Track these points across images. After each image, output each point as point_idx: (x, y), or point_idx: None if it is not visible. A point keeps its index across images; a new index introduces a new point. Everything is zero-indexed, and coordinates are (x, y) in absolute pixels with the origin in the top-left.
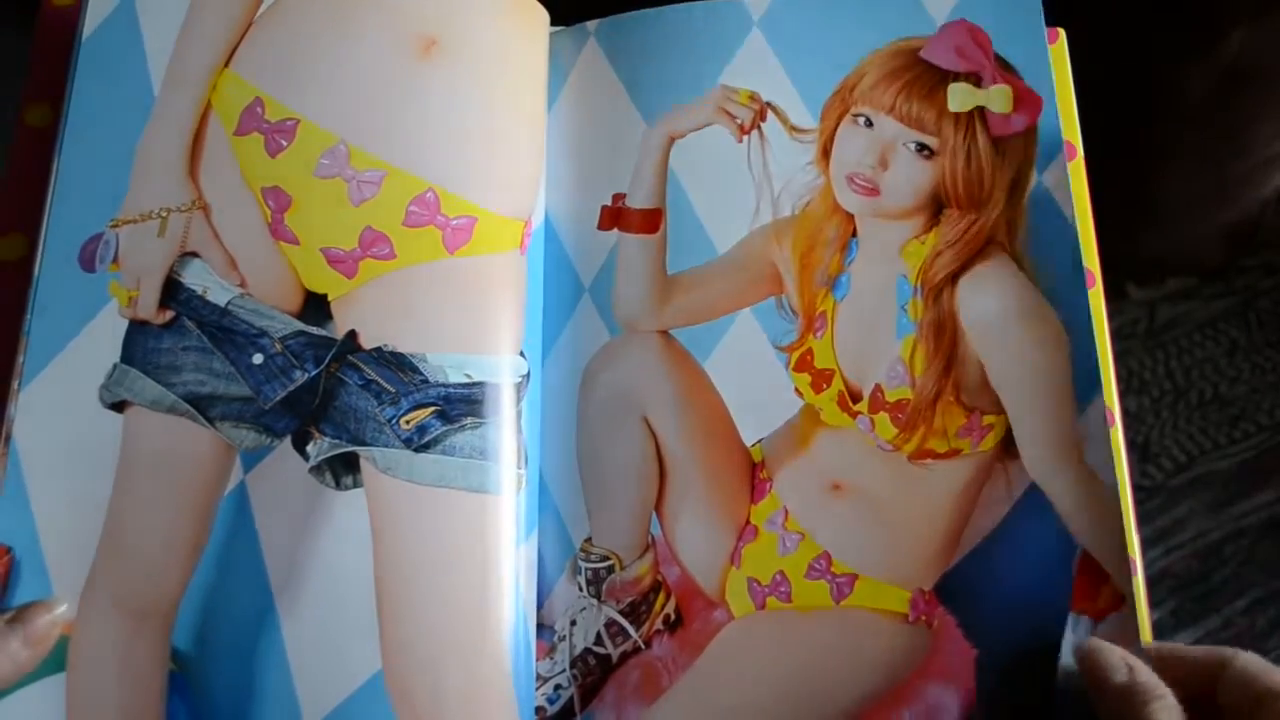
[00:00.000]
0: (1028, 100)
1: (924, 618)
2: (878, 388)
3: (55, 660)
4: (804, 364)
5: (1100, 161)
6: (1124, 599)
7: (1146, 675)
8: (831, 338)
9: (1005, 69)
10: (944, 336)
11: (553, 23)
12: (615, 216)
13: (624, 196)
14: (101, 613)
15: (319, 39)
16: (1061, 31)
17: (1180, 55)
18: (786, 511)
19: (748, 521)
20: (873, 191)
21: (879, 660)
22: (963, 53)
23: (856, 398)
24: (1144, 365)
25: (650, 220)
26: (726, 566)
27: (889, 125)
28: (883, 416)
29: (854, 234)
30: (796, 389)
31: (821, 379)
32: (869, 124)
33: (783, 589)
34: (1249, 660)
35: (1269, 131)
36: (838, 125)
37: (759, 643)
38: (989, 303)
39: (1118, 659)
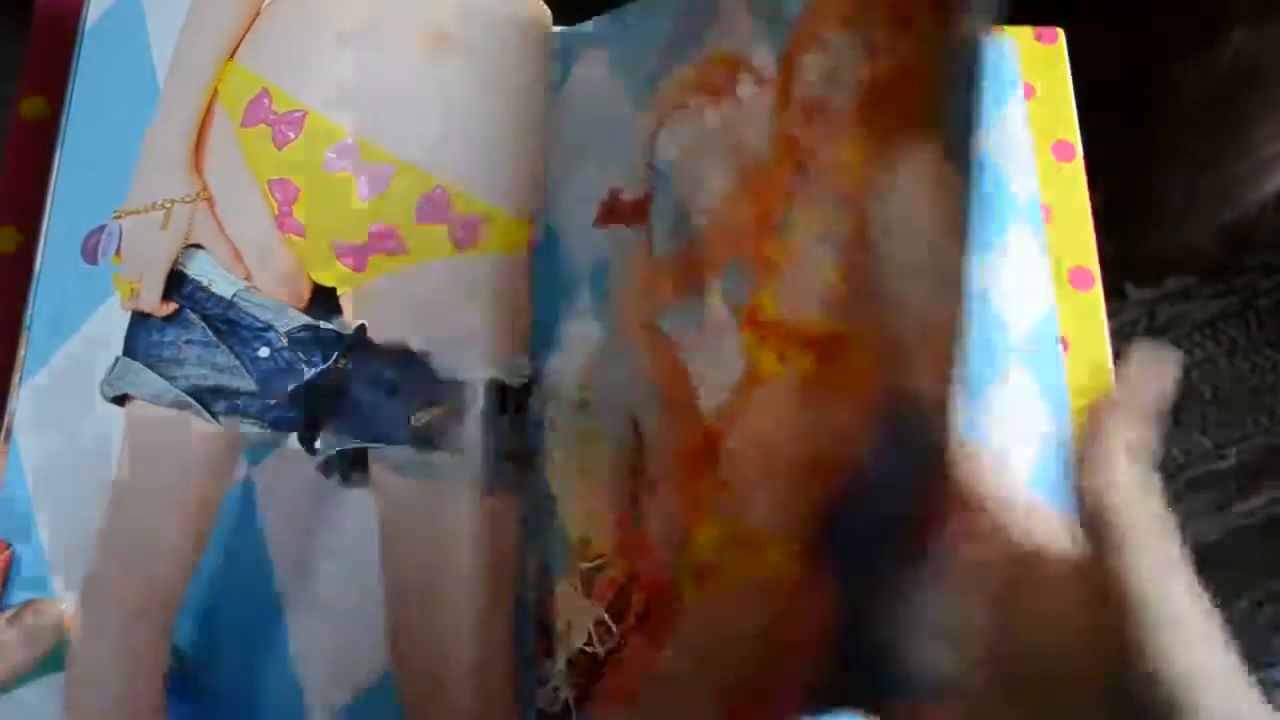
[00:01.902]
0: None
1: None
2: None
3: (55, 659)
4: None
5: (1100, 161)
6: None
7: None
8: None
9: None
10: None
11: (553, 23)
12: (610, 211)
13: (620, 191)
14: (102, 611)
15: (327, 30)
16: (1060, 31)
17: (1180, 55)
18: None
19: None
20: None
21: None
22: None
23: None
24: None
25: (642, 210)
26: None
27: None
28: None
29: None
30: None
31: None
32: None
33: None
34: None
35: (1269, 131)
36: None
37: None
38: None
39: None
